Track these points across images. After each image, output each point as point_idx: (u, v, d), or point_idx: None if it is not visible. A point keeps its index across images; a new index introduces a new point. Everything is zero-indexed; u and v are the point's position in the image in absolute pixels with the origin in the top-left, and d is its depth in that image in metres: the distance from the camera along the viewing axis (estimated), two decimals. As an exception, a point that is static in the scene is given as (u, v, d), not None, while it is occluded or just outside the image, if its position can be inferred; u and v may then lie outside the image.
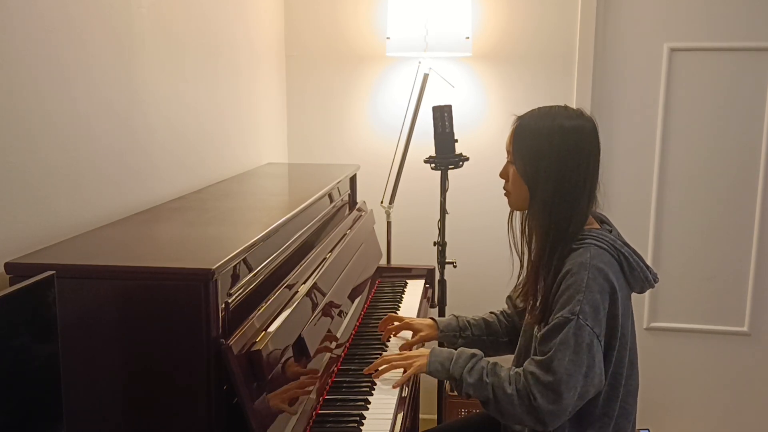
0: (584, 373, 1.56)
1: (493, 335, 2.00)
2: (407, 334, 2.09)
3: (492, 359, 1.73)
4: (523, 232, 1.74)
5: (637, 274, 1.67)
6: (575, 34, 2.91)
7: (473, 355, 1.70)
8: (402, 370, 1.78)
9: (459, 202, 2.92)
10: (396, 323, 2.07)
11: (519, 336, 1.94)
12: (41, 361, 1.08)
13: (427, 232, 2.80)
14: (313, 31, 3.06)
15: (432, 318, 2.05)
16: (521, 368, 1.63)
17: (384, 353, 1.96)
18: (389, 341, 2.06)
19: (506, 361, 1.90)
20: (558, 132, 1.64)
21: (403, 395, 1.74)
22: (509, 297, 1.95)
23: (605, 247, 1.64)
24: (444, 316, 2.63)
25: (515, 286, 1.85)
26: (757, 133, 2.91)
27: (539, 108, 1.72)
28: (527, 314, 1.77)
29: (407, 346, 2.00)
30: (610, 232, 1.72)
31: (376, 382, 1.77)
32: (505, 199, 1.78)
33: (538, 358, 1.60)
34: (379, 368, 1.78)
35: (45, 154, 1.49)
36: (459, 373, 1.67)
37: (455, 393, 1.74)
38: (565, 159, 1.64)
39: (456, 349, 2.03)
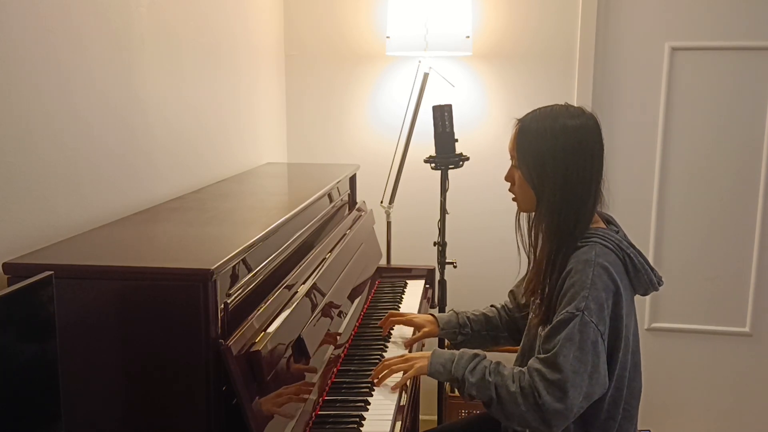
0: (589, 373, 1.54)
1: (493, 330, 2.00)
2: (408, 331, 2.08)
3: (495, 357, 1.72)
4: (530, 232, 1.73)
5: (641, 277, 1.66)
6: (576, 33, 2.91)
7: (475, 356, 1.68)
8: (402, 372, 1.76)
9: (459, 202, 2.92)
10: (398, 318, 2.06)
11: (517, 331, 1.93)
12: (39, 361, 1.08)
13: (427, 232, 2.80)
14: (312, 31, 3.05)
15: (432, 314, 2.05)
16: (525, 367, 1.62)
17: (385, 354, 1.95)
18: (390, 339, 2.05)
19: (510, 358, 1.89)
20: (561, 132, 1.63)
21: (402, 400, 1.73)
22: (512, 291, 1.94)
23: (611, 246, 1.63)
24: (444, 316, 2.63)
25: (519, 282, 1.83)
26: (759, 132, 2.91)
27: (540, 109, 1.70)
28: (531, 313, 1.76)
29: (410, 342, 2.00)
30: (617, 233, 1.71)
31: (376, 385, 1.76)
32: (506, 198, 1.78)
33: (543, 355, 1.58)
34: (380, 375, 1.76)
35: (43, 154, 1.49)
36: (461, 374, 1.65)
37: (456, 394, 1.73)
38: (570, 159, 1.62)
39: (457, 347, 2.03)
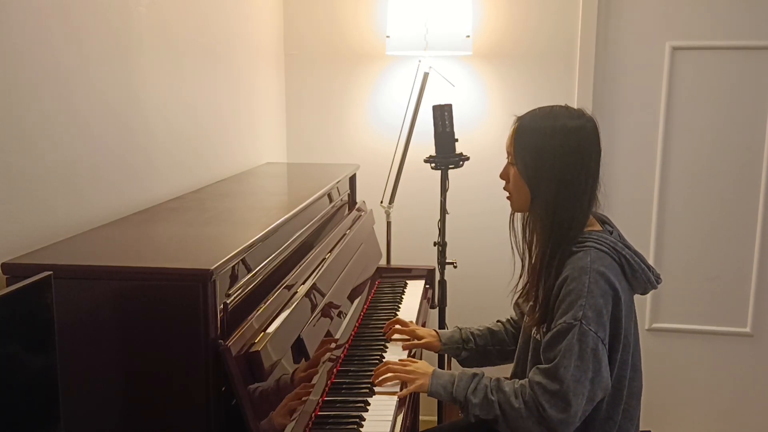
0: (591, 378, 1.55)
1: (499, 344, 1.99)
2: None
3: (495, 372, 1.71)
4: (524, 233, 1.73)
5: (639, 276, 1.66)
6: (576, 32, 2.90)
7: (475, 375, 1.68)
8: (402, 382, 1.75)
9: (459, 202, 2.91)
10: (401, 327, 2.06)
11: None
12: (38, 362, 1.07)
13: (427, 232, 2.79)
14: (312, 30, 3.05)
15: (435, 331, 2.04)
16: (526, 380, 1.62)
17: (384, 355, 1.95)
18: (389, 340, 2.04)
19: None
20: (560, 132, 1.63)
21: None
22: (516, 303, 1.94)
23: (606, 249, 1.62)
24: (444, 316, 2.62)
25: (519, 291, 1.82)
26: (760, 132, 2.90)
27: (540, 108, 1.70)
28: (526, 315, 1.76)
29: (409, 347, 1.99)
30: (611, 233, 1.71)
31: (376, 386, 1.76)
32: (506, 198, 1.77)
33: (544, 366, 1.59)
34: (382, 377, 1.76)
35: (42, 154, 1.48)
36: (463, 395, 1.65)
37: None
38: (567, 159, 1.63)
39: (461, 363, 2.02)
